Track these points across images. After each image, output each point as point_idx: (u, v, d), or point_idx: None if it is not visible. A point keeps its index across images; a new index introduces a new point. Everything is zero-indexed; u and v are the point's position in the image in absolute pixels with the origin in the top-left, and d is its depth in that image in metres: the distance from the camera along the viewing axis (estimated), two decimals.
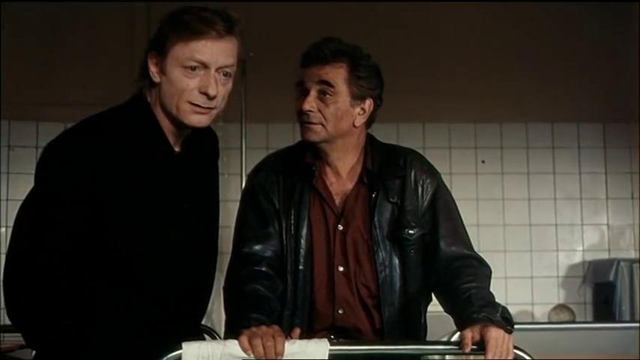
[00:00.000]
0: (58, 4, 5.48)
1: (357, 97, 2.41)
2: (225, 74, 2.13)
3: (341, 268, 2.39)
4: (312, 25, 5.34)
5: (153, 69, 2.12)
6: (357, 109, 2.42)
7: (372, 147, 2.50)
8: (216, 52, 2.08)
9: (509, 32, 5.87)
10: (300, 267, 2.38)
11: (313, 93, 2.39)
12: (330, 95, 2.38)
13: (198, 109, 2.11)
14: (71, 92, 5.37)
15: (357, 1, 5.58)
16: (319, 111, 2.38)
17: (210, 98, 2.10)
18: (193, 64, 2.08)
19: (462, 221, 2.49)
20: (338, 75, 2.39)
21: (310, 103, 2.38)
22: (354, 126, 2.42)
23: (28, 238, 1.99)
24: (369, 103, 2.43)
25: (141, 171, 2.10)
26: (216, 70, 2.10)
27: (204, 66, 2.09)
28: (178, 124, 2.15)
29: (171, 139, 2.18)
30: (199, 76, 2.09)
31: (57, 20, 5.56)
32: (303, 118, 2.40)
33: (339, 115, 2.39)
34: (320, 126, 2.39)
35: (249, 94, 5.10)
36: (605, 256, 5.83)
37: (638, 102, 5.46)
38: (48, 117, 5.25)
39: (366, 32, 5.49)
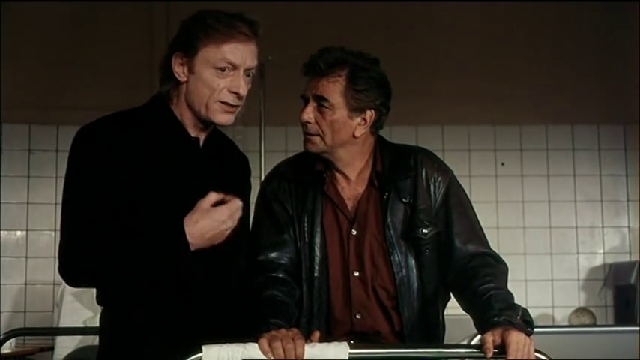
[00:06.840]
0: (78, 10, 5.52)
1: (356, 109, 2.36)
2: (249, 74, 2.24)
3: (356, 273, 2.38)
4: (331, 28, 5.36)
5: (178, 69, 2.22)
6: (357, 120, 2.37)
7: (382, 149, 2.47)
8: (244, 53, 2.20)
9: (527, 34, 5.85)
10: (316, 274, 2.37)
11: (312, 104, 2.37)
12: (327, 108, 2.35)
13: (227, 108, 2.22)
14: (91, 96, 5.39)
15: (383, 3, 5.57)
16: (317, 122, 2.36)
17: (240, 97, 2.21)
18: (224, 65, 2.19)
19: (476, 217, 2.46)
20: (334, 89, 2.34)
21: (308, 114, 2.36)
22: (354, 136, 2.38)
23: (67, 215, 2.15)
24: (370, 114, 2.38)
25: (162, 159, 2.20)
26: (243, 70, 2.21)
27: (234, 67, 2.20)
28: (201, 121, 2.25)
29: (192, 133, 2.27)
30: (229, 76, 2.20)
31: (76, 25, 5.60)
32: (303, 129, 2.39)
33: (337, 127, 2.35)
34: (318, 137, 2.37)
35: (267, 97, 5.11)
36: (626, 258, 5.80)
37: None
38: (68, 121, 5.24)
39: (388, 35, 5.51)
